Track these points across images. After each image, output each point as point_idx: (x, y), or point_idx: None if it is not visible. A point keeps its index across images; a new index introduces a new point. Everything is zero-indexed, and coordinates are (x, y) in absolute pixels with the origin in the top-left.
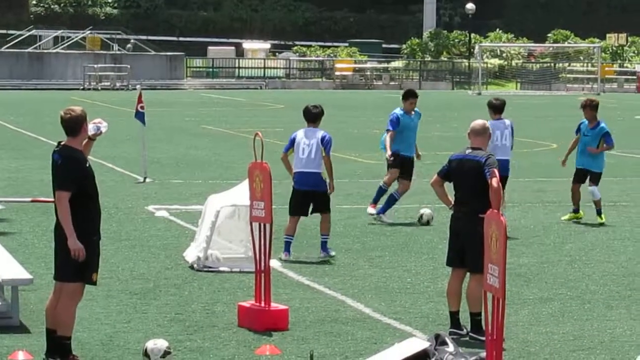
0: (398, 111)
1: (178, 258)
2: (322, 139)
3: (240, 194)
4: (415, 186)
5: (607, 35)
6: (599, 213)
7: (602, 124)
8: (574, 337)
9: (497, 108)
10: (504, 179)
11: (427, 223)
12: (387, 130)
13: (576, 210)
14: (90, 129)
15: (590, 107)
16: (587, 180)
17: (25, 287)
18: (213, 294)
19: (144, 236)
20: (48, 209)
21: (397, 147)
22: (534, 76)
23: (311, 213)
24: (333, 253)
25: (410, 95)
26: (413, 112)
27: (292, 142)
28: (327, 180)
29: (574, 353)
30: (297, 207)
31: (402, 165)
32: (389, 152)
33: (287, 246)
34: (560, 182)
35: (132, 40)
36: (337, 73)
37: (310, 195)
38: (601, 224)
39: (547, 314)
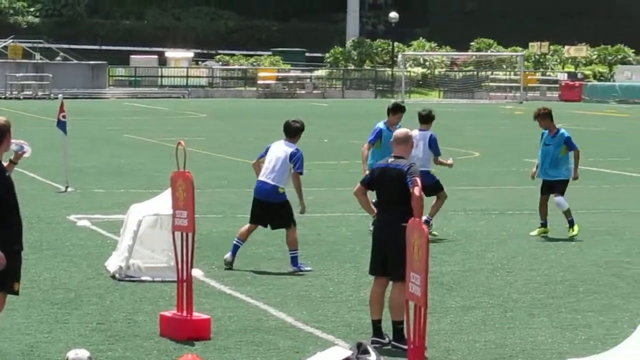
0: (381, 125)
1: (100, 268)
2: (292, 155)
3: (162, 203)
4: (338, 195)
5: (530, 43)
6: (570, 224)
7: (562, 130)
8: (496, 345)
9: (421, 118)
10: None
11: None
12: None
13: (543, 224)
14: (13, 145)
15: (543, 116)
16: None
17: None
18: (135, 304)
19: (65, 246)
20: None
21: (373, 162)
22: (457, 84)
23: (272, 229)
24: (307, 268)
25: (399, 110)
26: (394, 127)
27: (267, 151)
28: (283, 192)
29: None
30: (254, 216)
31: None
32: (364, 171)
33: (235, 249)
34: (482, 190)
35: (61, 54)
36: (260, 82)
37: (267, 206)
38: (572, 238)
39: (469, 322)
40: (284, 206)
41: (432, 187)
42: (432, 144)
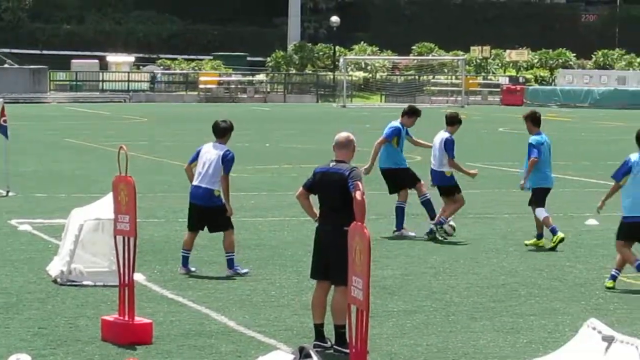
0: (397, 123)
1: (42, 272)
2: (223, 157)
3: (104, 207)
4: (280, 199)
5: (471, 48)
6: (553, 232)
7: (532, 136)
8: (438, 349)
9: (446, 120)
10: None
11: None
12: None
13: (539, 236)
14: None
15: (525, 119)
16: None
17: None
18: (77, 308)
19: (6, 250)
20: None
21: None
22: (399, 89)
23: (210, 232)
24: (244, 270)
25: (416, 114)
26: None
27: (198, 154)
28: (219, 195)
29: None
30: (193, 222)
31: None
32: (371, 164)
33: (184, 260)
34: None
35: (8, 61)
36: (201, 86)
37: (203, 210)
38: (552, 248)
39: (411, 326)
40: (222, 209)
41: (448, 188)
42: (447, 146)
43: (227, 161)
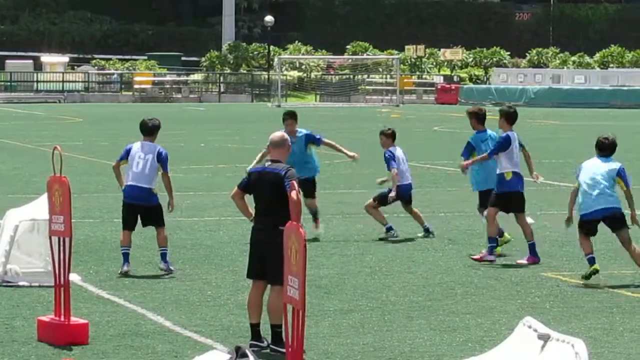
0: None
1: None
2: (159, 155)
3: (39, 208)
4: (215, 199)
5: (406, 47)
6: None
7: (475, 133)
8: (374, 348)
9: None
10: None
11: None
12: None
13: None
14: None
15: (469, 115)
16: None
17: None
18: (12, 309)
19: None
20: None
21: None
22: (333, 88)
23: (143, 226)
24: (173, 268)
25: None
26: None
27: (127, 152)
28: (158, 194)
29: None
30: (129, 221)
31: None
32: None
33: (126, 257)
34: (359, 193)
35: None
36: (136, 86)
37: (140, 208)
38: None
39: (347, 325)
40: (159, 207)
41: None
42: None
43: (163, 159)
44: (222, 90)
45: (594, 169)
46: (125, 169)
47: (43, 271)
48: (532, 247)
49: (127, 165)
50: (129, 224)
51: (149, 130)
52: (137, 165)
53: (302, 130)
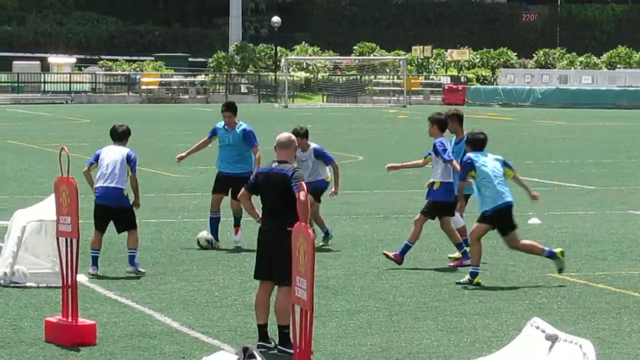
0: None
1: None
2: (128, 157)
3: (46, 209)
4: (224, 199)
5: (413, 47)
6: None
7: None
8: (382, 349)
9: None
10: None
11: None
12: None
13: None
14: None
15: (451, 118)
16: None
17: None
18: (20, 310)
19: None
20: None
21: None
22: (340, 89)
23: (119, 232)
24: (142, 270)
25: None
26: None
27: (97, 157)
28: (131, 197)
29: None
30: (101, 222)
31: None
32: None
33: (95, 260)
34: (366, 194)
35: None
36: (143, 87)
37: (112, 210)
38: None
39: (355, 326)
40: (130, 209)
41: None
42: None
43: (132, 161)
44: (229, 91)
45: (491, 163)
46: (96, 173)
47: (50, 272)
48: (460, 246)
49: (98, 168)
50: (99, 225)
51: (119, 135)
52: (107, 167)
53: (242, 123)
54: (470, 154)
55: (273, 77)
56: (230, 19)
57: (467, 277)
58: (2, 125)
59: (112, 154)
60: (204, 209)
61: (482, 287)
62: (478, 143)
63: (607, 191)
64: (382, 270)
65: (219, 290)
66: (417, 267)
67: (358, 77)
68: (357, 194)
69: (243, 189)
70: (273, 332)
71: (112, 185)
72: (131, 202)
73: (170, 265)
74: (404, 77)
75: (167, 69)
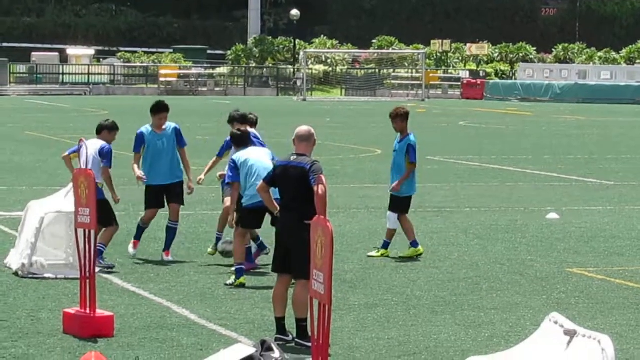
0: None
1: (2, 265)
2: (101, 149)
3: (65, 200)
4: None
5: (432, 41)
6: (384, 246)
7: (411, 135)
8: (399, 343)
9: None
10: None
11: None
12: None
13: (414, 244)
14: None
15: (401, 117)
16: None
17: None
18: (38, 301)
19: None
20: None
21: None
22: (359, 82)
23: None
24: (109, 264)
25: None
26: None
27: (79, 148)
28: (102, 186)
29: (399, 359)
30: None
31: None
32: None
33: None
34: (385, 187)
35: None
36: (161, 79)
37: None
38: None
39: (372, 319)
40: (102, 202)
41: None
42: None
43: (104, 153)
44: (247, 83)
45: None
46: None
47: (69, 263)
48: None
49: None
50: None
51: (98, 129)
52: (83, 161)
53: (170, 125)
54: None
55: (292, 70)
56: (249, 12)
57: None
58: (20, 117)
59: (89, 147)
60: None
61: (500, 281)
62: None
63: (626, 187)
64: (400, 264)
65: None
66: (434, 262)
67: (377, 70)
68: (375, 188)
69: (261, 181)
70: (291, 325)
71: None
72: (103, 196)
73: (188, 257)
74: (422, 71)
75: (185, 61)
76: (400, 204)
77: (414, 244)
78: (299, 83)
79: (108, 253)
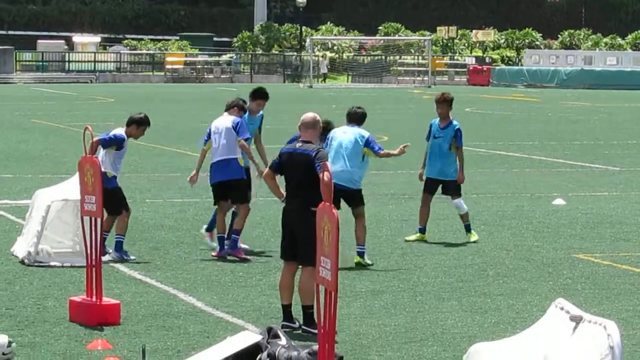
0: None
1: (8, 253)
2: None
3: (71, 188)
4: None
5: (438, 28)
6: (467, 229)
7: (455, 121)
8: (405, 329)
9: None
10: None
11: None
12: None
13: (422, 230)
14: None
15: (448, 102)
16: (443, 192)
17: None
18: (44, 289)
19: None
20: None
21: None
22: (365, 69)
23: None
24: (129, 257)
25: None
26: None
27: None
28: (111, 177)
29: (406, 345)
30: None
31: None
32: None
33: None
34: (391, 174)
35: None
36: (168, 66)
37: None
38: (475, 242)
39: (379, 306)
40: (110, 191)
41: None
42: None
43: (101, 142)
44: (253, 70)
45: None
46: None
47: (74, 251)
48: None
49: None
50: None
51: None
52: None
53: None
54: None
55: (298, 57)
56: None
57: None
58: (26, 104)
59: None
60: None
61: (507, 267)
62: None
63: (632, 172)
64: (407, 250)
65: (243, 270)
66: (441, 248)
67: (383, 57)
68: (382, 175)
69: (267, 169)
70: (297, 312)
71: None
72: (115, 184)
73: (194, 245)
74: (428, 58)
75: (192, 48)
76: (458, 187)
77: (422, 230)
78: (324, 70)
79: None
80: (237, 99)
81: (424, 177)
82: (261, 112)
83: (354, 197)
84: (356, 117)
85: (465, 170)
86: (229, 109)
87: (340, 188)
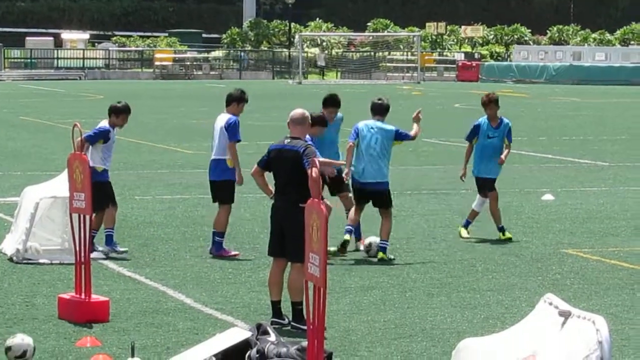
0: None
1: None
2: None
3: (59, 185)
4: None
5: (427, 24)
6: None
7: (505, 119)
8: (395, 325)
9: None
10: None
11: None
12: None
13: (502, 229)
14: None
15: (495, 102)
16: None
17: None
18: (33, 286)
19: None
20: None
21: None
22: (354, 65)
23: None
24: (120, 248)
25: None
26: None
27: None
28: (100, 171)
29: (395, 341)
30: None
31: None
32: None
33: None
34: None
35: None
36: (156, 63)
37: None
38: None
39: (368, 302)
40: (99, 185)
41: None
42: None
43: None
44: (242, 67)
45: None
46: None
47: (64, 248)
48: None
49: None
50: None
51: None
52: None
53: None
54: None
55: (287, 53)
56: None
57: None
58: (15, 102)
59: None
60: None
61: (496, 263)
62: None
63: (621, 167)
64: (396, 246)
65: (233, 267)
66: (430, 244)
67: (372, 53)
68: None
69: (256, 165)
70: (287, 308)
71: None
72: (105, 178)
73: (183, 241)
74: (417, 54)
75: (180, 45)
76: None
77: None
78: (322, 63)
79: (103, 237)
80: (235, 90)
81: (472, 177)
82: (339, 115)
83: (383, 200)
84: (381, 110)
85: (454, 165)
86: (227, 104)
87: (370, 189)
